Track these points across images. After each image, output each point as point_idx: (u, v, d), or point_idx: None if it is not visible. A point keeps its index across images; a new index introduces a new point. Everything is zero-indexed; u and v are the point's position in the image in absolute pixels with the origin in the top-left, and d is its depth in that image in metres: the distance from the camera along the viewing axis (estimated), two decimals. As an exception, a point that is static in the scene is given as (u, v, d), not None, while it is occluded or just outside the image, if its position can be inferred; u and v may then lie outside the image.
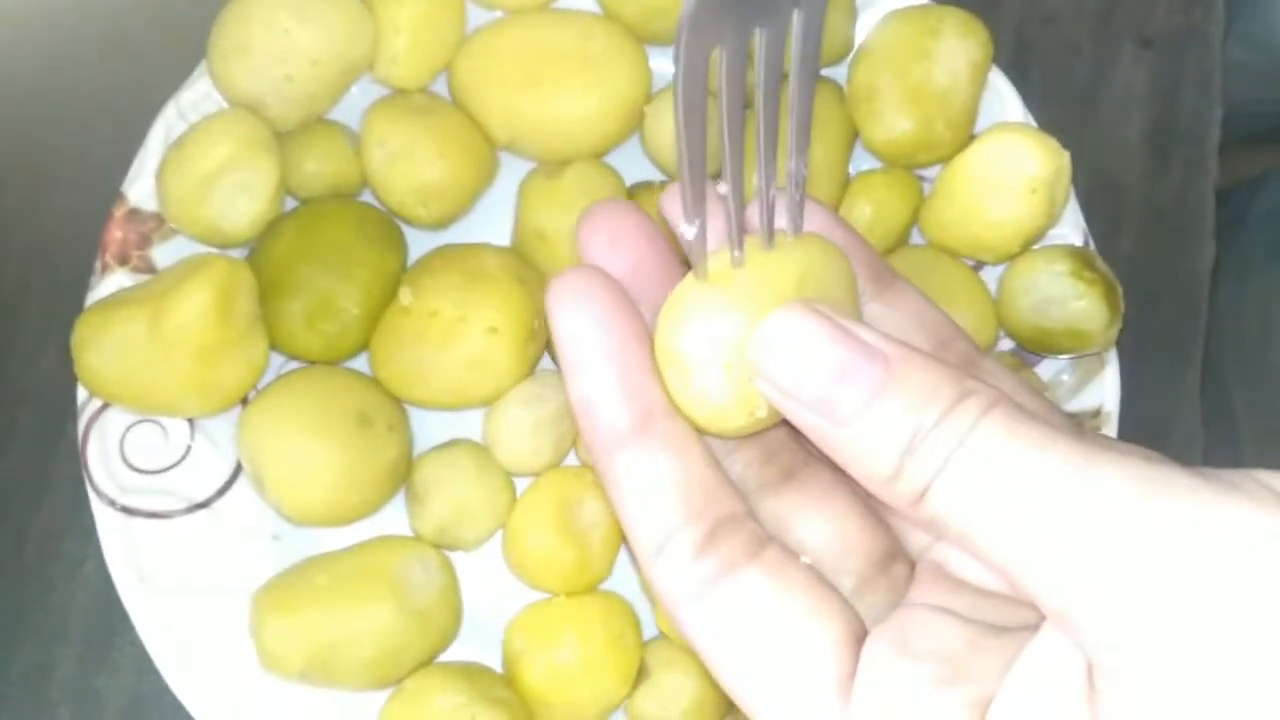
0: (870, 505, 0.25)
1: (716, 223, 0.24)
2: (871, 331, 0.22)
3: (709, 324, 0.23)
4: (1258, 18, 0.56)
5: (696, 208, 0.23)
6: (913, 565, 0.24)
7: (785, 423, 0.24)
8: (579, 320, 0.23)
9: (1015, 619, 0.22)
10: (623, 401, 0.23)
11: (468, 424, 0.45)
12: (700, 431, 0.24)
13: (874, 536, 0.24)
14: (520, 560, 0.43)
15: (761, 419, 0.23)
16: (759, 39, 0.22)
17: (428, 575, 0.42)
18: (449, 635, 0.43)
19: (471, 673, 0.43)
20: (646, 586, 0.44)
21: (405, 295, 0.43)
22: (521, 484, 0.44)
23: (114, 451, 0.43)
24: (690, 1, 0.21)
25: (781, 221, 0.24)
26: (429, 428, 0.45)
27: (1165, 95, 0.52)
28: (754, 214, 0.24)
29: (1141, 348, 0.47)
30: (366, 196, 0.46)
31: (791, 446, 0.26)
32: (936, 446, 0.21)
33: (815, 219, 0.25)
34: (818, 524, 0.24)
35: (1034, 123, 0.47)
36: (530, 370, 0.44)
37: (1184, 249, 0.51)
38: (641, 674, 0.43)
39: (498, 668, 0.44)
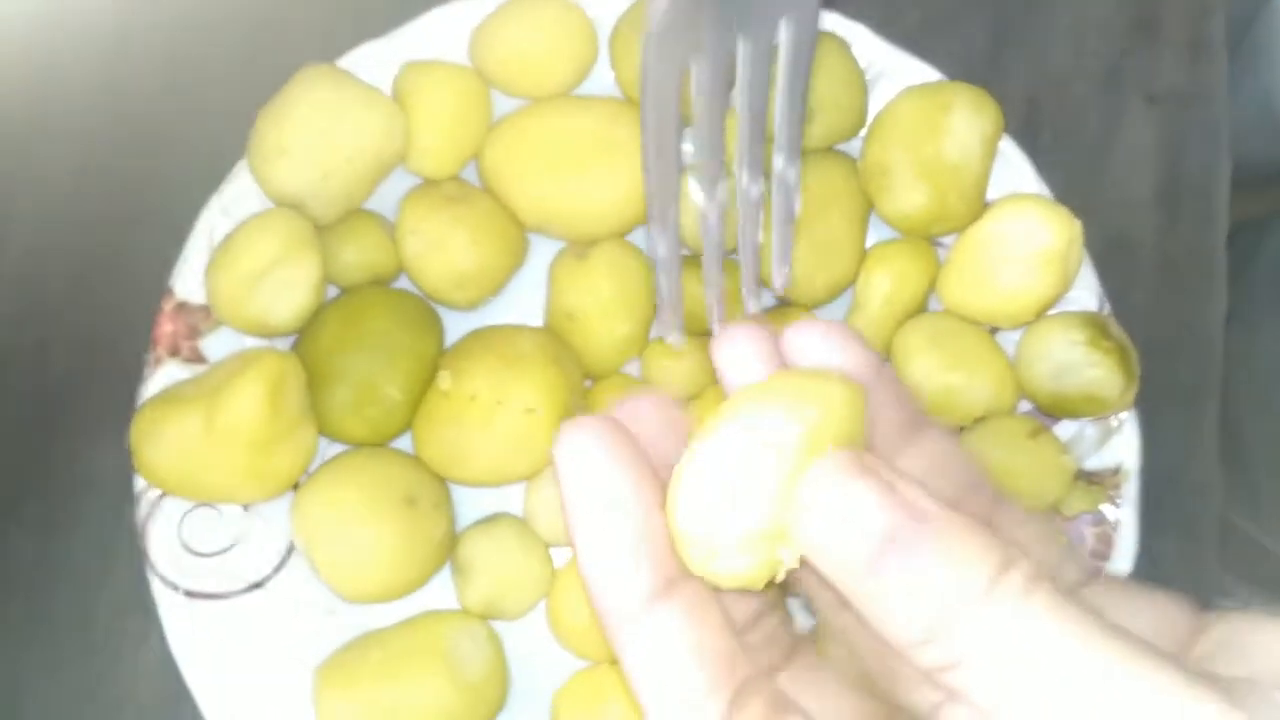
0: (871, 680, 0.25)
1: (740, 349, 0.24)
2: (915, 487, 0.21)
3: (726, 489, 0.21)
4: (1261, 76, 0.57)
5: (667, 243, 0.22)
6: None
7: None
8: (587, 475, 0.22)
9: None
10: (641, 568, 0.22)
11: (508, 499, 0.46)
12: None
13: (880, 711, 0.24)
14: (564, 630, 0.45)
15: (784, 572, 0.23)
16: (741, 51, 0.21)
17: (476, 648, 0.44)
18: (498, 705, 0.45)
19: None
20: None
21: (444, 379, 0.45)
22: (561, 555, 0.46)
23: (173, 536, 0.45)
24: (658, 16, 0.19)
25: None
26: (471, 504, 0.47)
27: (1173, 151, 0.53)
28: (785, 342, 0.24)
29: (1159, 400, 0.49)
30: (403, 281, 0.48)
31: (788, 626, 0.26)
32: (975, 621, 0.20)
33: (848, 354, 0.25)
34: (827, 699, 0.24)
35: (1046, 189, 0.48)
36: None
37: (1197, 301, 0.52)
38: (682, 737, 0.45)
39: (544, 733, 0.45)
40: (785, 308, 0.48)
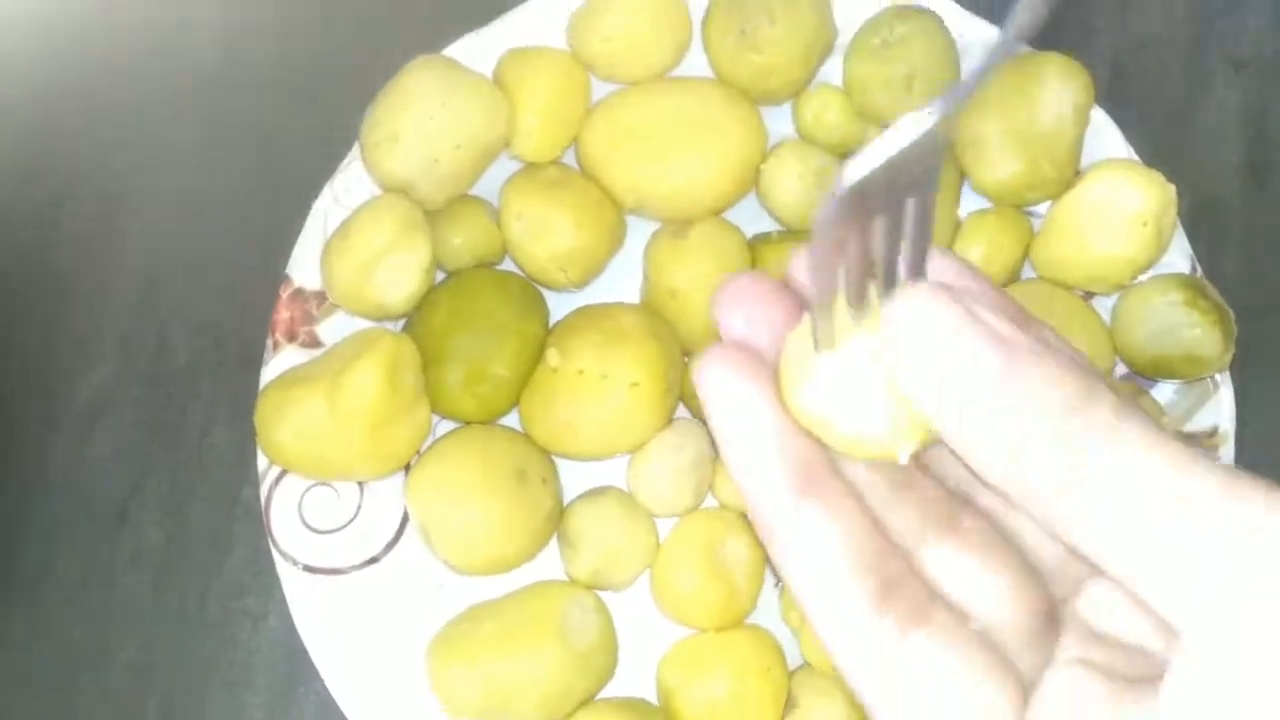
0: (1026, 559, 0.25)
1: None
2: (999, 319, 0.22)
3: (842, 357, 0.24)
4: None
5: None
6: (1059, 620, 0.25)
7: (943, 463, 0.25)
8: (727, 394, 0.24)
9: (1149, 669, 0.22)
10: (782, 469, 0.24)
11: (612, 472, 0.48)
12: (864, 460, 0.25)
13: (1032, 593, 0.25)
14: (669, 599, 0.46)
15: (920, 439, 0.24)
16: (879, 228, 0.24)
17: (586, 618, 0.45)
18: (608, 674, 0.46)
19: (633, 707, 0.46)
20: (798, 626, 0.46)
21: (553, 357, 0.46)
22: (665, 526, 0.47)
23: (293, 514, 0.47)
24: (829, 209, 0.22)
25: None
26: (578, 477, 0.48)
27: (1260, 116, 0.54)
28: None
29: (1250, 365, 0.49)
30: (508, 264, 0.49)
31: (949, 499, 0.26)
32: (1066, 445, 0.21)
33: (940, 266, 0.26)
34: (979, 579, 0.25)
35: (1136, 156, 0.49)
36: (669, 420, 0.47)
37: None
38: (789, 704, 0.46)
39: (653, 702, 0.46)
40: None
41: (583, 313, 0.48)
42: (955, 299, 0.22)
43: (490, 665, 0.44)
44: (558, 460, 0.48)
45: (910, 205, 0.23)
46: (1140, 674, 0.22)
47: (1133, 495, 0.20)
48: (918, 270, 0.24)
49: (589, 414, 0.46)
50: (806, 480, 0.24)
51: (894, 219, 0.23)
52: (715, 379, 0.25)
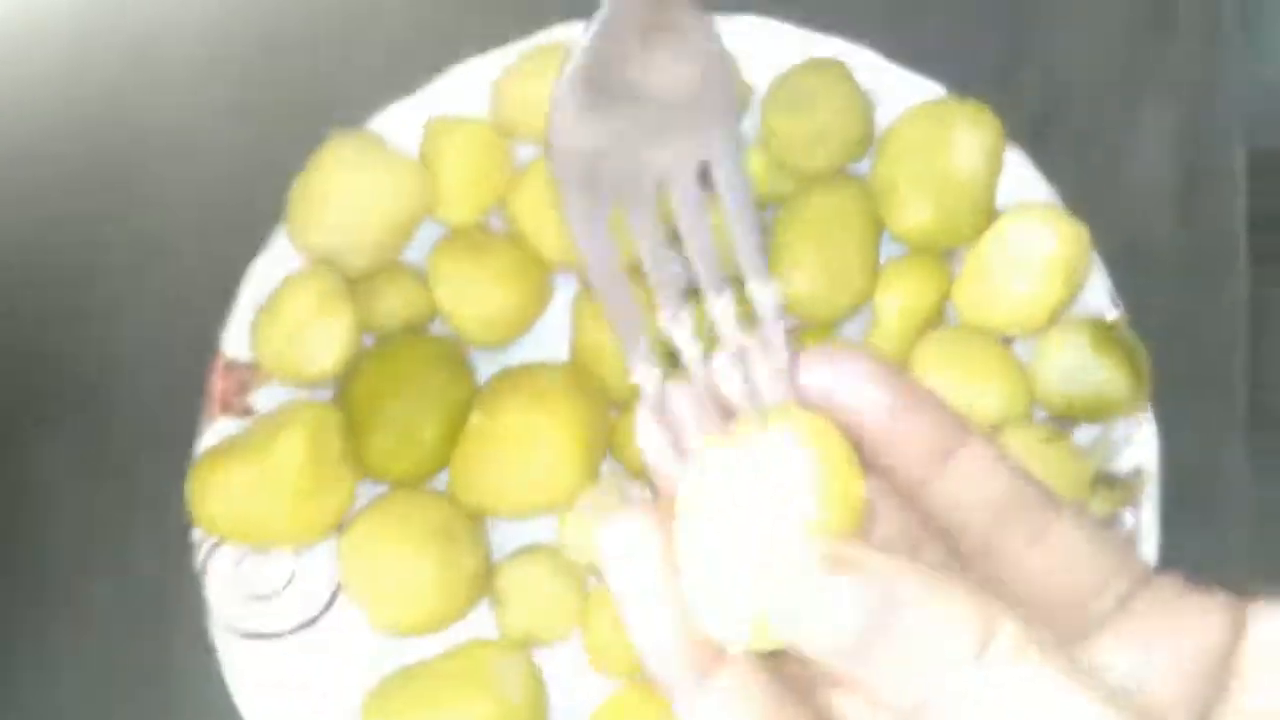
0: None
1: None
2: (886, 562, 0.21)
3: (702, 560, 0.22)
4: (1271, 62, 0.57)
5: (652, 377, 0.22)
6: None
7: None
8: (623, 556, 0.23)
9: None
10: (683, 648, 0.23)
11: (541, 530, 0.48)
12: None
13: None
14: (599, 653, 0.47)
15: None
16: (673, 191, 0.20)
17: (516, 673, 0.46)
18: (539, 729, 0.46)
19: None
20: None
21: (478, 419, 0.47)
22: (593, 582, 0.48)
23: (229, 580, 0.48)
24: (557, 166, 0.19)
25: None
26: (506, 537, 0.49)
27: (1189, 145, 0.53)
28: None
29: (1182, 396, 0.49)
30: (437, 325, 0.50)
31: None
32: (964, 692, 0.20)
33: (858, 388, 0.23)
34: None
35: (1055, 196, 0.49)
36: (595, 475, 0.48)
37: (1217, 293, 0.52)
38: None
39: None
40: (802, 329, 0.49)
41: (508, 374, 0.49)
42: (841, 564, 0.21)
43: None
44: (488, 521, 0.48)
45: (712, 157, 0.20)
46: None
47: None
48: (761, 273, 0.21)
49: (516, 473, 0.47)
50: (707, 657, 0.23)
51: (690, 179, 0.20)
52: (614, 541, 0.23)
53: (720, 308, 0.21)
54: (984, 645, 0.20)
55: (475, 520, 0.48)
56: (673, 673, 0.23)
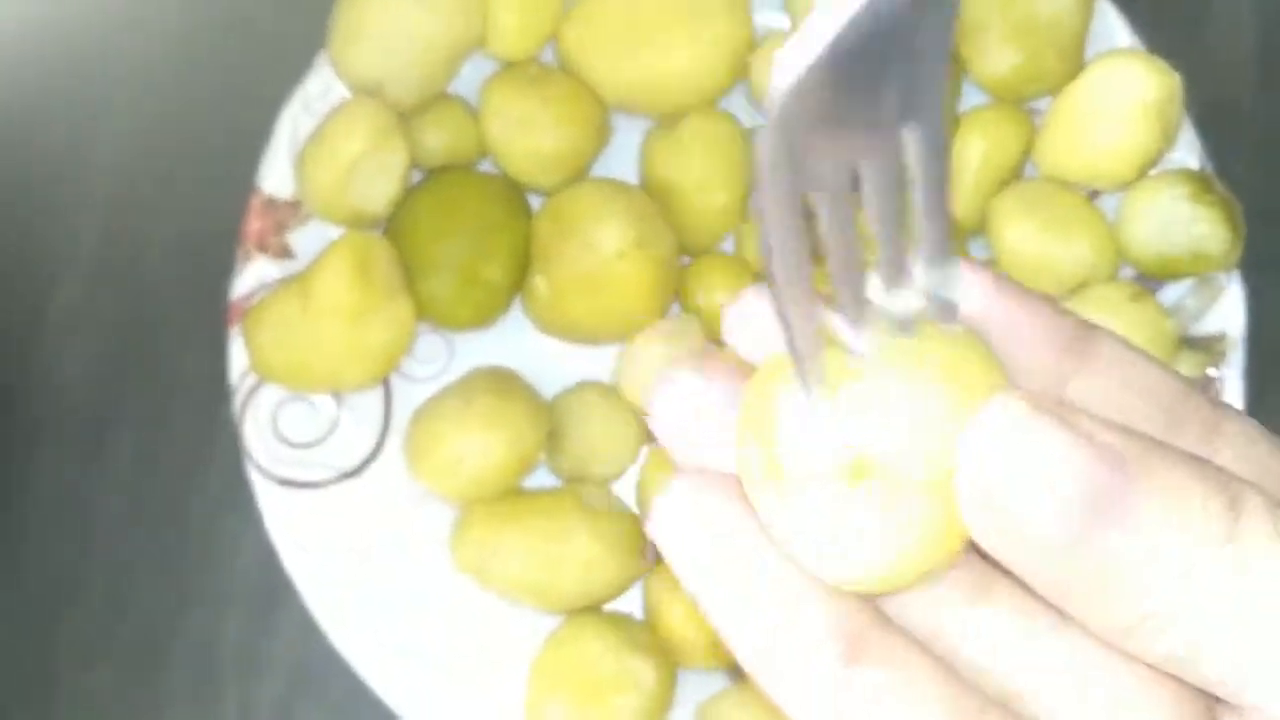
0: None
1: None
2: (1102, 424, 0.16)
3: (832, 442, 0.17)
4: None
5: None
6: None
7: None
8: (707, 532, 0.18)
9: None
10: (820, 630, 0.18)
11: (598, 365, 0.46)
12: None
13: (1178, 705, 0.18)
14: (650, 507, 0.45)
15: (938, 565, 0.18)
16: (866, 174, 0.17)
17: (606, 498, 0.45)
18: (633, 559, 0.45)
19: (617, 621, 0.44)
20: None
21: (541, 285, 0.45)
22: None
23: (268, 427, 0.45)
24: (767, 146, 0.16)
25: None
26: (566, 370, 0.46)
27: (1274, 11, 0.51)
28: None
29: (1262, 269, 0.47)
30: (485, 165, 0.48)
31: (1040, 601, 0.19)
32: (1210, 587, 0.16)
33: (968, 283, 0.19)
34: (1110, 694, 0.18)
35: (1142, 48, 0.46)
36: (664, 314, 0.45)
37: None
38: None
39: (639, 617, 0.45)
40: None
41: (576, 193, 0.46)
42: (1049, 414, 0.16)
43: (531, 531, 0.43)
44: (544, 357, 0.46)
45: (909, 138, 0.17)
46: None
47: None
48: (936, 261, 0.17)
49: (594, 300, 0.44)
50: (855, 636, 0.18)
51: (884, 162, 0.17)
52: (688, 515, 0.18)
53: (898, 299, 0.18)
54: (1232, 526, 0.16)
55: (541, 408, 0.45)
56: (804, 668, 0.17)
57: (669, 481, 0.19)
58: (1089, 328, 0.20)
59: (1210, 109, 0.49)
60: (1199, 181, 0.44)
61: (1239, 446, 0.19)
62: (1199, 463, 0.16)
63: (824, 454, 0.17)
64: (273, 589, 0.47)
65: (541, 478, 0.46)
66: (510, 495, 0.44)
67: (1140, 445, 0.16)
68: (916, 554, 0.17)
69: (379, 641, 0.44)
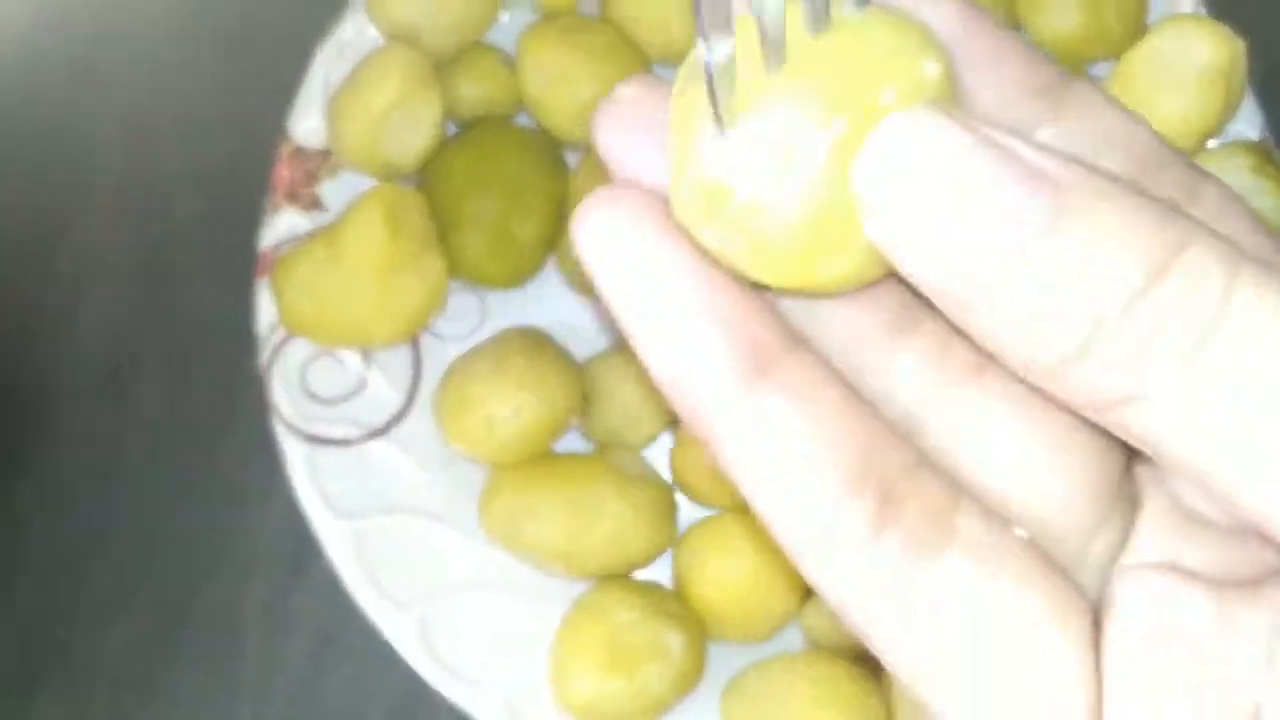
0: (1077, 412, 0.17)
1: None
2: (1033, 146, 0.15)
3: (762, 126, 0.16)
4: None
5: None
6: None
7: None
8: (622, 247, 0.17)
9: (1260, 564, 0.16)
10: (721, 345, 0.17)
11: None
12: (779, 292, 0.18)
13: (1092, 459, 0.17)
14: (688, 477, 0.44)
15: (861, 267, 0.17)
16: None
17: (637, 461, 0.44)
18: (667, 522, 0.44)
19: (646, 589, 0.43)
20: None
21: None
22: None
23: (295, 381, 0.44)
24: None
25: None
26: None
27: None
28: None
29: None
30: (522, 118, 0.46)
31: (964, 341, 0.18)
32: (1151, 327, 0.14)
33: (933, 11, 0.18)
34: (1017, 448, 0.17)
35: (1204, 11, 0.45)
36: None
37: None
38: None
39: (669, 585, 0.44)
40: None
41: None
42: (966, 123, 0.15)
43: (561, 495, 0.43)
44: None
45: None
46: (1250, 573, 0.16)
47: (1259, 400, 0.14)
48: None
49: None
50: (756, 357, 0.17)
51: None
52: (604, 230, 0.17)
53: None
54: (1172, 260, 0.15)
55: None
56: (708, 380, 0.17)
57: (592, 194, 0.18)
58: (1068, 76, 0.18)
59: (1271, 79, 0.48)
60: (1260, 153, 0.42)
61: (1213, 211, 0.18)
62: (1146, 197, 0.15)
63: (729, 176, 0.16)
64: (298, 547, 0.46)
65: (572, 442, 0.45)
66: (541, 459, 0.44)
67: (1080, 171, 0.15)
68: (820, 242, 0.16)
69: (404, 603, 0.44)
